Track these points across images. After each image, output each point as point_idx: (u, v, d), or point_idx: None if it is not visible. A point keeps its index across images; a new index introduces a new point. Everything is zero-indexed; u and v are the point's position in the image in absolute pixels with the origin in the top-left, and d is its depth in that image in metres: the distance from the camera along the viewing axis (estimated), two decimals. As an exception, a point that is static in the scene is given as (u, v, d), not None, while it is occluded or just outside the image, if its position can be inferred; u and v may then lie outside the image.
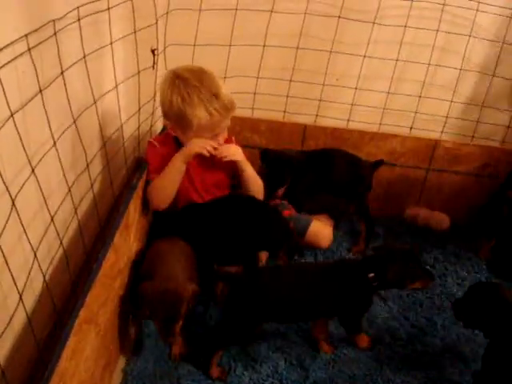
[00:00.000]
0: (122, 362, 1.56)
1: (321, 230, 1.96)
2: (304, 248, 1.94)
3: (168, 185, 1.69)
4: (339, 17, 1.99)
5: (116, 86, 1.61)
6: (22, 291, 1.13)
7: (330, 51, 2.05)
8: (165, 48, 1.93)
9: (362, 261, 1.58)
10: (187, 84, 1.61)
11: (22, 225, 1.12)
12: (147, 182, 1.73)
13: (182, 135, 1.71)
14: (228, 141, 1.79)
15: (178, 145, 1.73)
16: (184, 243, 1.67)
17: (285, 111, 2.13)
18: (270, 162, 1.93)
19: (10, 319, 1.12)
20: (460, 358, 1.66)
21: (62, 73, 1.29)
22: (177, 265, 1.56)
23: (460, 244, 2.15)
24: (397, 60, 2.09)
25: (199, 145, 1.66)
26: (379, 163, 1.97)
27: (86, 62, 1.40)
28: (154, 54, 1.91)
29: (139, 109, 1.77)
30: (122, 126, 1.71)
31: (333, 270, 1.54)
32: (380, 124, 2.23)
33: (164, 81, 1.66)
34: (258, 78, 2.06)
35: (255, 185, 1.81)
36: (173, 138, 1.76)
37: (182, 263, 1.58)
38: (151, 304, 1.46)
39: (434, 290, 1.91)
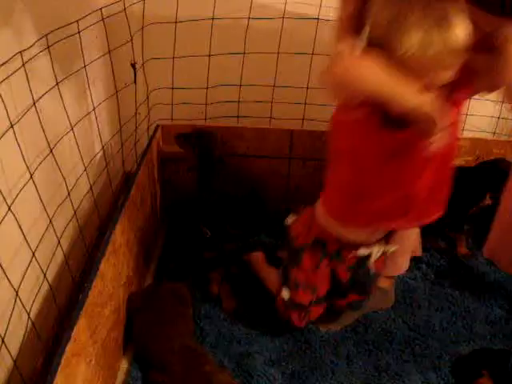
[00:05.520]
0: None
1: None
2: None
3: None
4: (318, 18, 1.96)
5: (94, 109, 1.60)
6: (4, 335, 1.12)
7: (312, 54, 2.02)
8: (143, 63, 1.90)
9: None
10: (410, 2, 1.10)
11: (2, 267, 1.11)
12: None
13: None
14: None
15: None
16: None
17: (270, 117, 2.11)
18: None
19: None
20: (459, 359, 1.65)
21: (34, 104, 1.28)
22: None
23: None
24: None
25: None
26: None
27: (59, 88, 1.39)
28: (134, 68, 1.89)
29: (120, 128, 1.75)
30: (103, 147, 1.69)
31: None
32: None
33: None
34: (240, 85, 2.04)
35: None
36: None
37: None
38: None
39: (432, 291, 1.90)
